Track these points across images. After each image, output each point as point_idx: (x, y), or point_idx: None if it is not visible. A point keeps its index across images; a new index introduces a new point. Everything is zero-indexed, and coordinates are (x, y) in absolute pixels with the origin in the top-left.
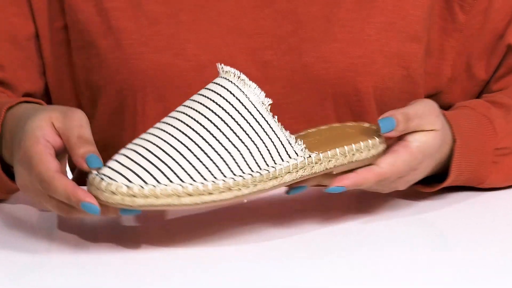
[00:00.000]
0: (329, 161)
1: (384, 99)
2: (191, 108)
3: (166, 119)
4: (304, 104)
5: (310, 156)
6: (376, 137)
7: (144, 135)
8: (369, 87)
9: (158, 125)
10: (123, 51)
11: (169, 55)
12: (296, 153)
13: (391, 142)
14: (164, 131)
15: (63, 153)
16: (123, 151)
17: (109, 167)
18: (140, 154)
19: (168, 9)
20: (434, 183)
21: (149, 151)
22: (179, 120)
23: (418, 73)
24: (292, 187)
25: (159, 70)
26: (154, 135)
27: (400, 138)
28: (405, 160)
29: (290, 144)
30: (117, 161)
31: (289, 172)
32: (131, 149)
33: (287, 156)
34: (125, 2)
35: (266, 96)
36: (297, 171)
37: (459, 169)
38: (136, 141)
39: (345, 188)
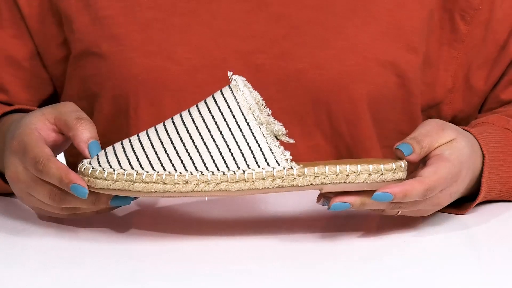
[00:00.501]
0: (315, 177)
1: (378, 107)
2: (189, 108)
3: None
4: (297, 110)
5: (291, 168)
6: (383, 164)
7: None
8: (363, 95)
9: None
10: (115, 57)
11: (160, 59)
12: (278, 163)
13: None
14: (156, 125)
15: (55, 150)
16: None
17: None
18: (121, 142)
19: (160, 14)
20: (465, 204)
21: (129, 139)
22: (174, 116)
23: (414, 83)
24: (335, 201)
25: (150, 75)
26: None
27: (429, 157)
28: (445, 167)
29: (272, 152)
30: (104, 149)
31: (262, 178)
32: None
33: (265, 163)
34: (118, 9)
35: None
36: (273, 179)
37: (490, 184)
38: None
39: (391, 197)
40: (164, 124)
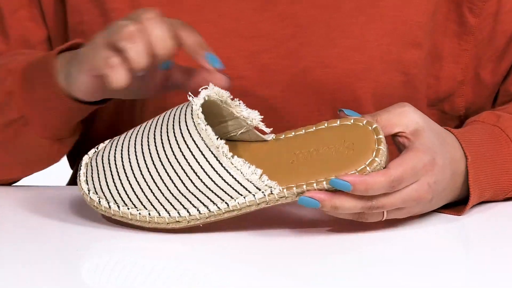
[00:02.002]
0: (297, 195)
1: (383, 105)
2: (160, 138)
3: (137, 135)
4: (302, 109)
5: (272, 193)
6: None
7: (118, 144)
8: (367, 93)
9: (130, 137)
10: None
11: None
12: (258, 188)
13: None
14: (137, 153)
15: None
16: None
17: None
18: (109, 167)
19: (167, 11)
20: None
21: (116, 167)
22: (149, 145)
23: (418, 79)
24: (305, 195)
25: None
26: (122, 151)
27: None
28: (413, 157)
29: (250, 181)
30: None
31: (247, 206)
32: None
33: (246, 191)
34: (125, 3)
35: (264, 100)
36: (258, 204)
37: (480, 185)
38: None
39: (350, 187)
40: (143, 157)
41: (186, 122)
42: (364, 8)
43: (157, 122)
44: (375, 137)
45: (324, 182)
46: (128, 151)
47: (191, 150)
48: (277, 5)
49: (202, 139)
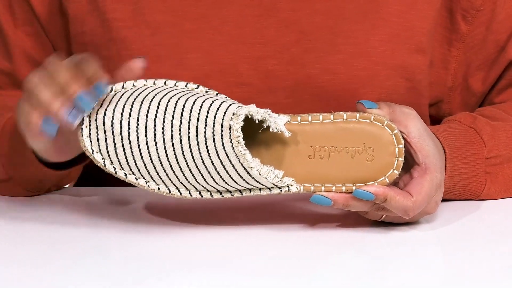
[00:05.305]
0: (313, 192)
1: None
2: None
3: (157, 116)
4: None
5: (288, 190)
6: (376, 181)
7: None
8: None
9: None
10: (124, 62)
11: (170, 65)
12: (276, 185)
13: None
14: (155, 135)
15: None
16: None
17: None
18: (121, 139)
19: (170, 18)
20: None
21: (129, 142)
22: (172, 128)
23: (422, 85)
24: (317, 193)
25: None
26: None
27: (410, 163)
28: (430, 180)
29: (274, 183)
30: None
31: (260, 195)
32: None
33: (264, 187)
34: (127, 12)
35: (268, 106)
36: (270, 194)
37: (452, 181)
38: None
39: (373, 197)
40: (164, 140)
41: (222, 138)
42: (368, 14)
43: (183, 110)
44: (396, 146)
45: (343, 188)
46: (146, 126)
47: (222, 161)
48: (281, 11)
49: (237, 158)
